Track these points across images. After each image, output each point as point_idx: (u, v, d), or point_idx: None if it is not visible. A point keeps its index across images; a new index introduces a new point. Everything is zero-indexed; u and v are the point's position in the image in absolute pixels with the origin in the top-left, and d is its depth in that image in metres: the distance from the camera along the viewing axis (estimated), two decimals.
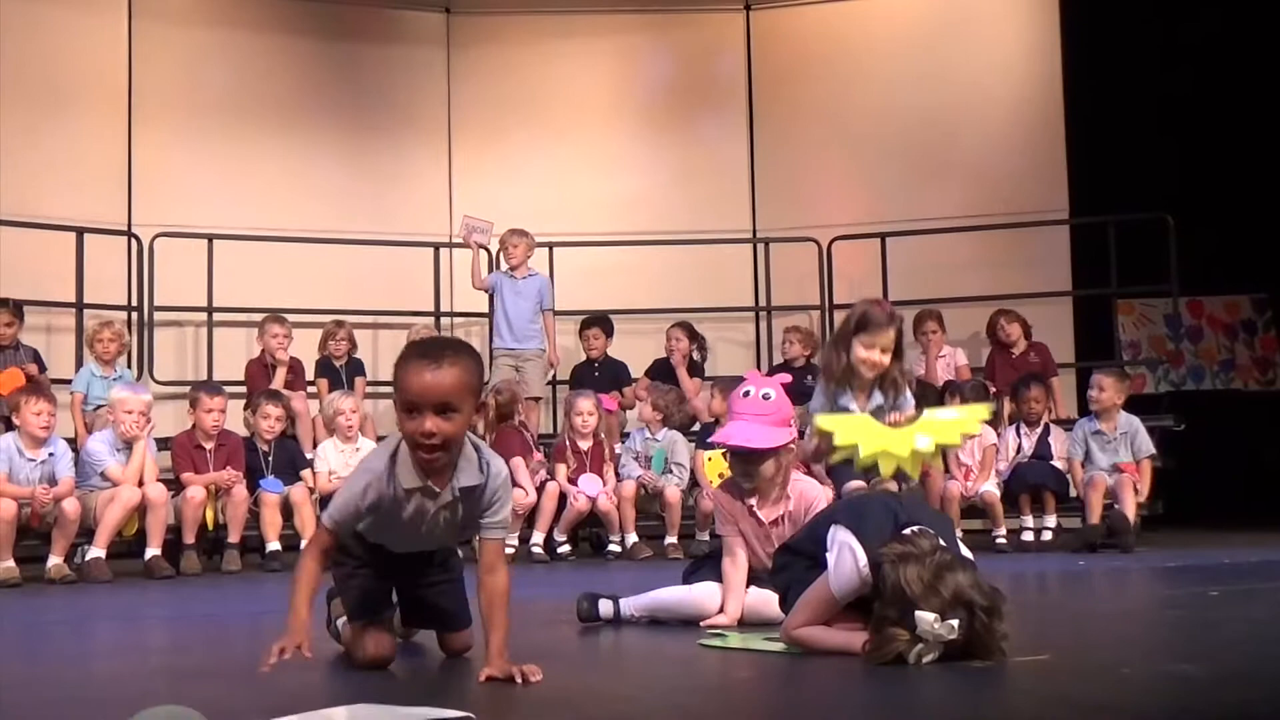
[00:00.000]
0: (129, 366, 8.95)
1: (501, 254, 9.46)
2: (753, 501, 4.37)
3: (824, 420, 4.62)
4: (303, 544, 7.54)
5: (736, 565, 4.33)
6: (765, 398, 4.34)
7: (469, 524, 3.37)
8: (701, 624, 4.20)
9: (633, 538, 8.15)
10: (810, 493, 4.40)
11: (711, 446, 8.31)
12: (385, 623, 3.58)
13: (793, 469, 4.49)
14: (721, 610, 4.27)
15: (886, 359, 4.83)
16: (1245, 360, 11.28)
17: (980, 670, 3.13)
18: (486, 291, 9.48)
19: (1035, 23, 10.51)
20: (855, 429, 4.50)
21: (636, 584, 4.57)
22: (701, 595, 4.35)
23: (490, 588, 3.25)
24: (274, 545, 7.68)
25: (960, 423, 4.78)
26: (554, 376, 9.83)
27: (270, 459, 7.99)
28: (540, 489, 8.16)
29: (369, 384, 9.36)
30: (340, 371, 9.14)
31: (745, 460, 4.34)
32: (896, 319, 4.87)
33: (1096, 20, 10.04)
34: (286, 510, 7.82)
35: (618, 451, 8.61)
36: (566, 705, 2.99)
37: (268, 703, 3.13)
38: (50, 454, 7.19)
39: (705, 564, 4.58)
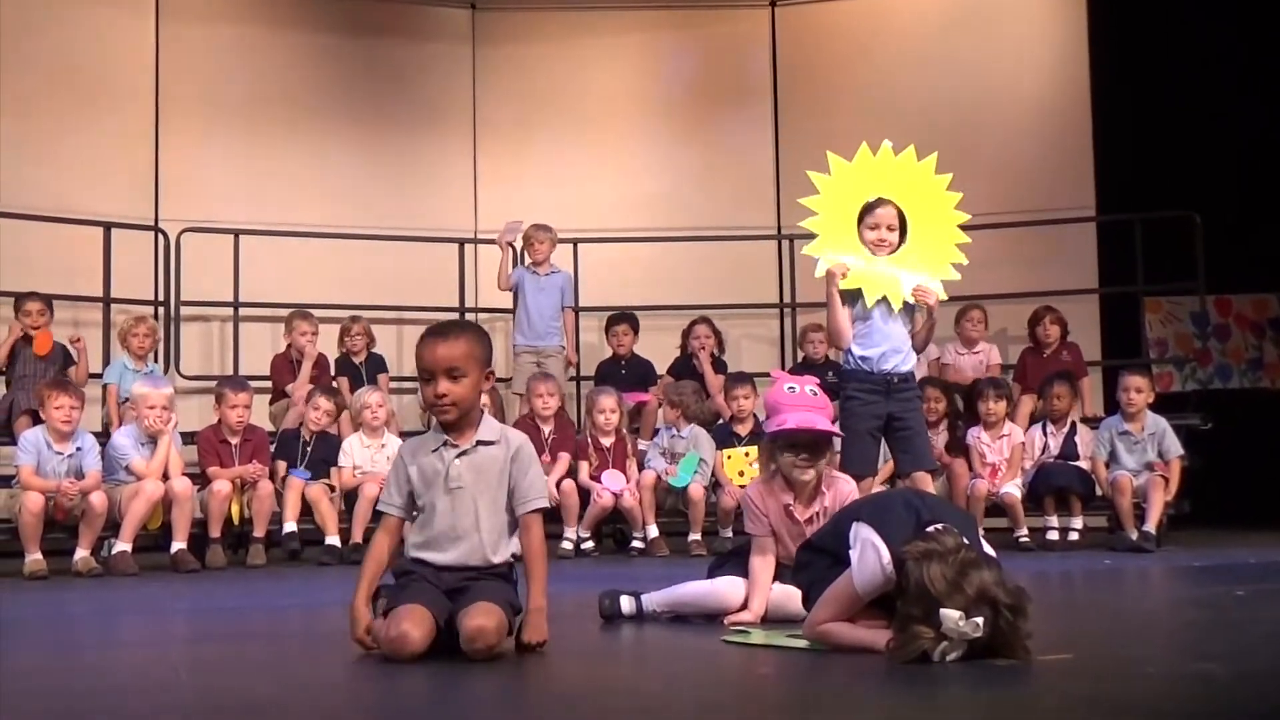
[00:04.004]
0: (155, 361, 9.00)
1: (525, 250, 9.47)
2: (788, 499, 4.34)
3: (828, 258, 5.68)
4: (327, 540, 7.64)
5: (765, 564, 4.31)
6: (813, 393, 4.37)
7: (501, 500, 3.64)
8: (725, 620, 4.19)
9: (653, 530, 8.14)
10: (845, 489, 4.37)
11: (730, 445, 8.32)
12: (421, 610, 3.49)
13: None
14: (745, 607, 4.26)
15: (894, 236, 5.65)
16: (1273, 359, 11.19)
17: (1004, 669, 3.12)
18: (511, 290, 9.48)
19: (1061, 19, 10.46)
20: (861, 275, 5.65)
21: (660, 580, 4.57)
22: (725, 589, 4.34)
23: (524, 543, 3.66)
24: (290, 526, 7.75)
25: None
26: (578, 373, 9.84)
27: (309, 451, 8.03)
28: (558, 486, 8.14)
29: (393, 379, 9.38)
30: (360, 369, 9.13)
31: (812, 450, 4.29)
32: (889, 201, 5.66)
33: (1123, 16, 9.98)
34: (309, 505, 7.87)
35: (642, 447, 8.60)
36: (589, 700, 3.00)
37: (290, 696, 3.15)
38: (78, 448, 7.23)
39: (730, 559, 4.56)
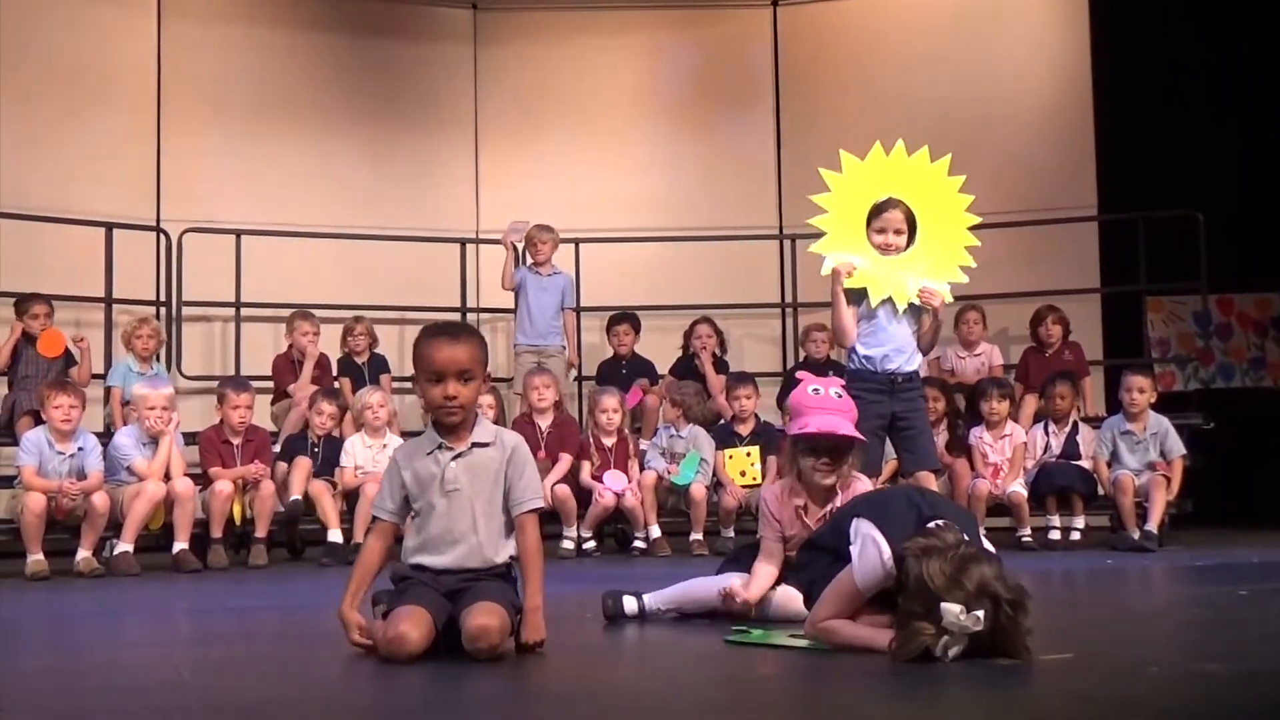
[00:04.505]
0: (159, 362, 9.00)
1: (528, 250, 9.46)
2: (800, 501, 4.30)
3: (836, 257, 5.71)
4: (330, 535, 7.64)
5: (769, 566, 4.28)
6: (837, 396, 4.32)
7: (498, 502, 3.64)
8: (720, 590, 4.20)
9: (655, 530, 8.13)
10: (861, 489, 4.32)
11: (732, 444, 8.32)
12: (420, 611, 3.49)
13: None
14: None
15: (901, 239, 5.64)
16: (1276, 358, 11.16)
17: (1006, 668, 3.12)
18: (514, 290, 9.47)
19: (1063, 18, 10.45)
20: (867, 275, 5.69)
21: (662, 581, 4.57)
22: (728, 579, 4.33)
23: (520, 543, 3.64)
24: (296, 496, 7.80)
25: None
26: (579, 373, 9.83)
27: (318, 454, 8.04)
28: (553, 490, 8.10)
29: (394, 379, 9.38)
30: (363, 369, 9.13)
31: (833, 454, 4.24)
32: (899, 203, 5.65)
33: (1125, 15, 9.97)
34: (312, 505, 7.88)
35: (643, 447, 8.59)
36: (591, 700, 3.00)
37: (291, 696, 3.15)
38: (80, 448, 7.23)
39: (739, 557, 4.56)
